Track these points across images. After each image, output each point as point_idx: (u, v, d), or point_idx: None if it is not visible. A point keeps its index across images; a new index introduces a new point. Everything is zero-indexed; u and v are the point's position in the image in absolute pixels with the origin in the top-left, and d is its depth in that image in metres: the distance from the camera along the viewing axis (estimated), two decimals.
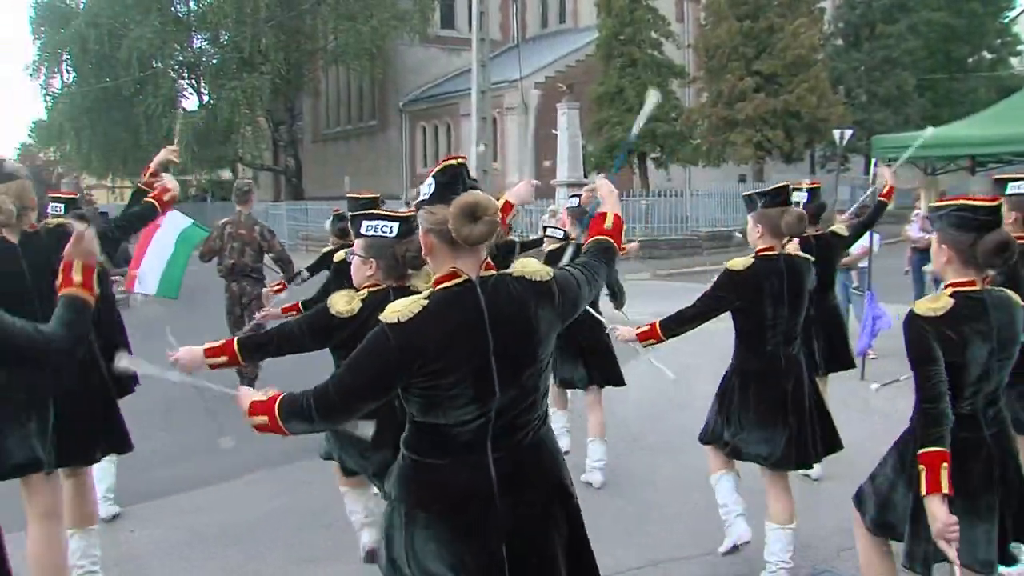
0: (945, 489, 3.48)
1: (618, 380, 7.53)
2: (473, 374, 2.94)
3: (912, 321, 3.70)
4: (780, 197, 5.08)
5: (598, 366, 7.38)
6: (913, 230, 13.08)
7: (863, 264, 11.58)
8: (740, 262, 4.99)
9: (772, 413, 5.05)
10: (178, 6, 44.79)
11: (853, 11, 37.89)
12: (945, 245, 3.75)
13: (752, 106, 30.44)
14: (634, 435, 8.68)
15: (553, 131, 29.31)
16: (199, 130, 40.17)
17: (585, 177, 28.81)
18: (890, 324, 10.90)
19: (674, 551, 5.90)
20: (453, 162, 3.19)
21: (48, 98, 45.63)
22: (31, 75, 44.55)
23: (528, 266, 3.12)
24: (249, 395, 3.33)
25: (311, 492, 7.19)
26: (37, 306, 4.25)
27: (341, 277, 4.74)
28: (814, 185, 7.35)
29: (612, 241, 3.54)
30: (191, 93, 47.30)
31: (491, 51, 29.09)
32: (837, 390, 10.22)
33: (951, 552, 3.49)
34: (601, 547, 5.90)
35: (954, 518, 3.47)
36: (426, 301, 2.95)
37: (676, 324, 5.11)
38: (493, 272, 3.05)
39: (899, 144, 11.08)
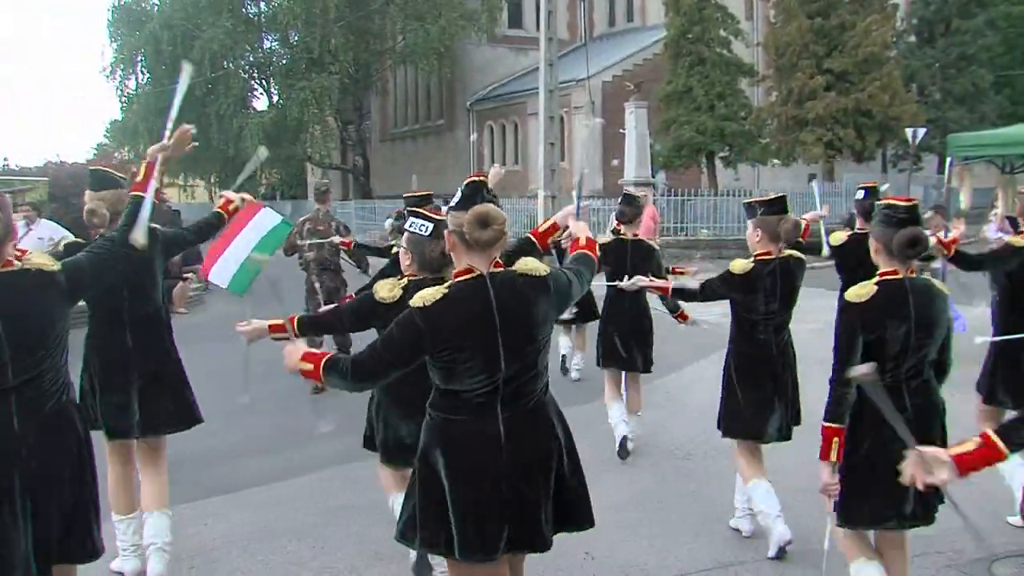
0: (834, 458, 4.21)
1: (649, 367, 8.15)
2: (483, 351, 3.57)
3: (844, 310, 4.24)
4: (777, 206, 5.58)
5: (643, 353, 7.98)
6: (991, 230, 12.78)
7: (937, 264, 11.35)
8: (740, 265, 5.57)
9: (762, 395, 5.68)
10: (249, 7, 45.48)
11: (928, 7, 37.18)
12: (874, 239, 4.29)
13: (822, 105, 30.03)
14: (702, 435, 8.61)
15: (621, 130, 29.19)
16: (269, 130, 40.70)
17: (653, 176, 28.69)
18: (965, 327, 10.68)
19: (742, 553, 5.86)
20: (476, 179, 3.84)
21: (123, 99, 46.70)
22: (107, 77, 45.66)
23: (528, 264, 3.76)
24: (303, 348, 3.85)
25: (378, 490, 7.22)
26: (126, 295, 5.19)
27: (397, 267, 5.05)
28: (871, 185, 7.91)
29: (590, 254, 4.23)
30: (261, 93, 48.02)
31: (558, 50, 29.06)
32: None
33: (829, 504, 4.37)
34: (669, 547, 5.91)
35: (836, 480, 4.24)
36: (447, 290, 3.59)
37: (684, 296, 6.16)
38: (501, 269, 3.69)
39: (975, 143, 10.86)
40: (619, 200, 8.61)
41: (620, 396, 8.17)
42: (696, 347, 11.62)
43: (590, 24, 46.98)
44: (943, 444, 4.13)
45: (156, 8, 45.39)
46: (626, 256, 7.71)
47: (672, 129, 32.55)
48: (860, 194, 7.57)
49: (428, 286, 3.72)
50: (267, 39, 46.09)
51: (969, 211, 13.26)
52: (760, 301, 5.59)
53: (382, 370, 3.71)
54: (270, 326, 4.64)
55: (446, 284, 3.65)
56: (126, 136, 48.78)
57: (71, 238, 8.84)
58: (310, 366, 3.73)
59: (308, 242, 10.85)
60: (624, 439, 7.77)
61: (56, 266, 3.85)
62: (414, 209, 4.78)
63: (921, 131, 29.06)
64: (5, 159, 34.10)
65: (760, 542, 5.99)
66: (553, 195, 26.81)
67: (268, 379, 10.23)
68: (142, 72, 45.76)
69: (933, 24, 37.40)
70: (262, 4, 45.66)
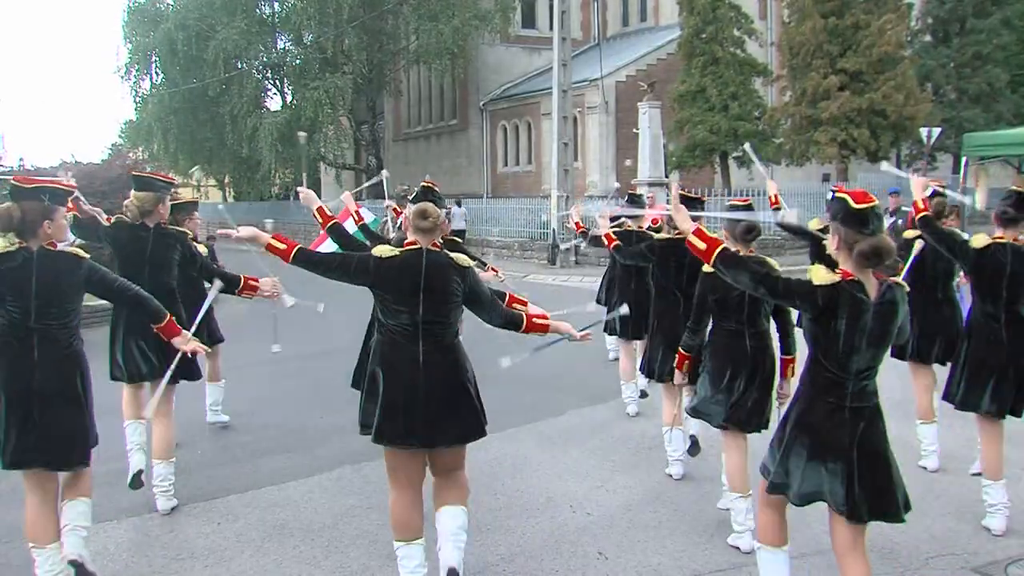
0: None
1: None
2: (408, 299, 5.04)
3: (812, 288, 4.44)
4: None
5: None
6: None
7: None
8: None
9: (730, 380, 5.96)
10: (263, 8, 45.60)
11: (942, 6, 36.96)
12: (837, 236, 4.44)
13: (836, 104, 29.89)
14: (716, 435, 8.58)
15: (634, 130, 29.17)
16: (282, 130, 40.79)
17: (666, 176, 28.64)
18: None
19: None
20: (427, 184, 5.40)
21: (137, 99, 46.95)
22: (122, 77, 45.85)
23: (458, 256, 5.22)
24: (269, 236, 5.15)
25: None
26: (147, 271, 6.83)
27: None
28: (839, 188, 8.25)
29: (517, 316, 5.46)
30: (275, 93, 48.17)
31: (572, 50, 29.09)
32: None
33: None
34: (683, 547, 5.90)
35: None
36: (397, 253, 5.09)
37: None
38: (436, 249, 5.17)
39: (990, 142, 10.80)
40: (626, 200, 9.68)
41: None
42: None
43: (603, 24, 46.97)
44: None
45: (171, 9, 45.57)
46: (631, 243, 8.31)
47: (686, 129, 32.51)
48: (830, 195, 7.62)
49: (427, 254, 5.12)
50: (281, 39, 46.19)
51: (985, 211, 13.17)
52: (731, 296, 5.95)
53: (333, 268, 5.11)
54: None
55: (399, 251, 5.11)
56: (140, 136, 48.98)
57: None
58: (283, 247, 5.07)
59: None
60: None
61: (85, 258, 5.33)
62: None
63: (936, 131, 28.88)
64: (21, 159, 34.14)
65: None
66: (566, 195, 26.82)
67: (280, 379, 10.29)
68: (156, 72, 46.01)
69: (948, 23, 37.22)
70: (276, 4, 45.79)
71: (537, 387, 10.90)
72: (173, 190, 8.64)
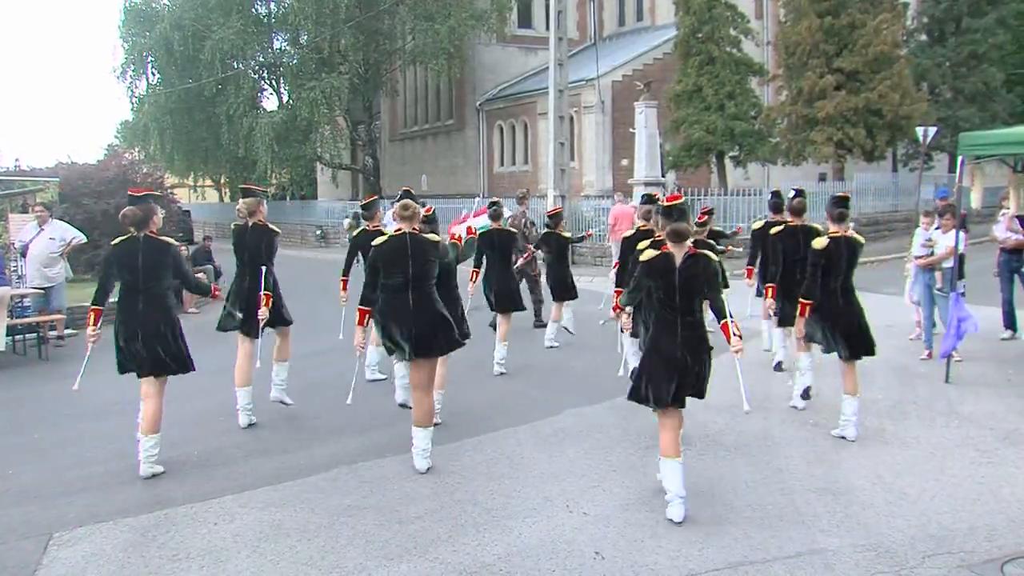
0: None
1: None
2: (400, 265, 7.50)
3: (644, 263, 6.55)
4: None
5: None
6: (999, 230, 12.74)
7: (948, 264, 11.32)
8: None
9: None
10: (259, 8, 45.58)
11: (938, 5, 36.99)
12: (659, 223, 6.84)
13: (832, 104, 29.93)
14: (712, 436, 8.61)
15: (631, 130, 29.15)
16: (279, 130, 40.76)
17: (663, 176, 28.61)
18: (977, 328, 10.66)
19: (752, 553, 5.83)
20: (406, 189, 7.87)
21: (134, 99, 46.88)
22: (118, 77, 45.80)
23: (430, 235, 7.72)
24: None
25: (389, 489, 7.25)
26: (247, 259, 9.19)
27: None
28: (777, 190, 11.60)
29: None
30: (271, 93, 48.14)
31: (568, 50, 29.07)
32: (922, 392, 10.09)
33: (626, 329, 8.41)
34: (679, 546, 5.90)
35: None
36: (387, 239, 7.57)
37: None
38: (416, 232, 7.60)
39: (986, 141, 10.78)
40: (642, 200, 11.11)
41: None
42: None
43: (600, 24, 46.96)
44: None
45: (167, 9, 45.44)
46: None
47: (682, 129, 32.49)
48: (791, 193, 10.27)
49: (410, 239, 7.61)
50: (277, 39, 46.17)
51: (980, 210, 13.19)
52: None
53: (371, 277, 7.63)
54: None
55: (390, 235, 7.66)
56: (136, 136, 48.93)
57: (82, 238, 13.71)
58: (358, 316, 7.78)
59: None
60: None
61: (173, 244, 7.94)
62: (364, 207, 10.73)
63: (932, 130, 28.90)
64: (16, 160, 34.10)
65: (771, 543, 5.99)
66: (562, 194, 26.81)
67: (269, 380, 10.24)
68: (153, 73, 45.90)
69: (943, 22, 37.25)
70: (272, 4, 45.78)
71: (534, 386, 10.90)
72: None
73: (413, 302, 7.53)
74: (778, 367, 10.97)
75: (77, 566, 5.89)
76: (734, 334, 6.55)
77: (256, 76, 45.42)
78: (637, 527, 6.32)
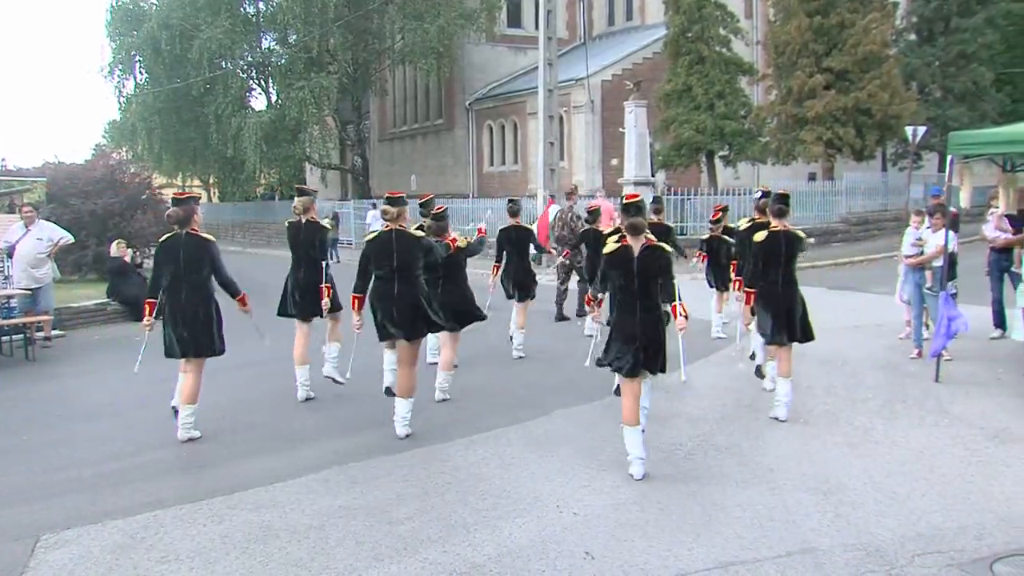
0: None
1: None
2: (387, 258, 8.55)
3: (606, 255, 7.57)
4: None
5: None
6: (989, 229, 12.77)
7: (938, 263, 11.36)
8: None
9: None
10: (247, 7, 45.46)
11: (927, 5, 37.05)
12: (620, 217, 7.77)
13: (822, 103, 29.98)
14: (703, 435, 8.63)
15: (620, 129, 29.17)
16: (267, 129, 40.67)
17: (652, 176, 28.63)
18: (967, 327, 10.70)
19: (743, 553, 5.85)
20: (396, 195, 8.79)
21: (121, 99, 46.69)
22: (106, 77, 45.61)
23: (415, 231, 8.91)
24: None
25: (379, 490, 7.25)
26: (303, 253, 10.29)
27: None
28: (767, 189, 11.51)
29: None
30: (260, 93, 47.98)
31: (558, 49, 29.09)
32: (911, 391, 10.12)
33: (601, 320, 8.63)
34: (669, 546, 5.92)
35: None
36: (376, 235, 8.73)
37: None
38: (402, 228, 8.64)
39: (976, 141, 10.81)
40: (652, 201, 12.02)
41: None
42: (697, 347, 11.63)
43: (589, 23, 46.99)
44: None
45: (154, 8, 45.29)
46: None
47: (672, 128, 32.50)
48: (758, 194, 11.34)
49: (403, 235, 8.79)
50: (266, 39, 46.05)
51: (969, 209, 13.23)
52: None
53: (363, 268, 8.81)
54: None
55: (378, 232, 8.76)
56: (124, 136, 48.72)
57: (70, 238, 14.19)
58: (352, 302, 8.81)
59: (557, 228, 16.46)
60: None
61: (212, 240, 8.87)
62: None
63: (921, 129, 29.01)
64: (3, 160, 33.95)
65: (762, 542, 6.00)
66: (552, 194, 26.83)
67: (261, 381, 10.26)
68: (140, 72, 45.75)
69: (933, 22, 37.33)
70: (260, 4, 45.70)
71: (524, 387, 10.91)
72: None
73: (397, 290, 8.59)
74: (758, 372, 10.87)
75: (64, 568, 5.87)
76: (681, 315, 7.35)
77: (244, 76, 45.26)
78: (627, 527, 6.33)
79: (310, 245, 10.25)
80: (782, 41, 31.56)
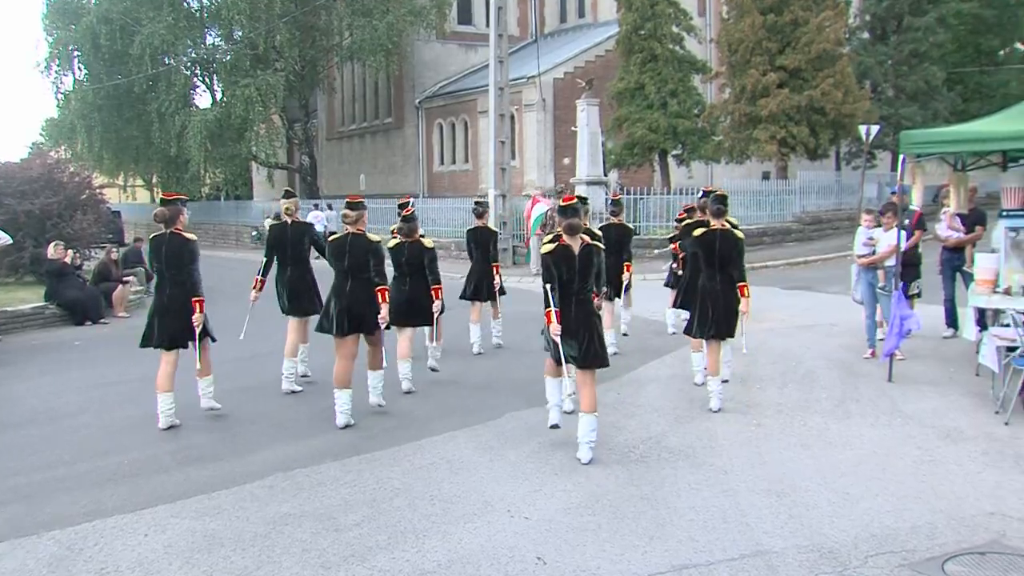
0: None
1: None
2: (341, 257, 9.41)
3: (544, 255, 8.14)
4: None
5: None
6: (942, 228, 12.96)
7: (891, 263, 11.49)
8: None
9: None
10: (191, 1, 45.02)
11: (880, 4, 37.63)
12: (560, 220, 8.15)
13: (776, 102, 30.29)
14: (655, 437, 8.66)
15: (573, 128, 29.25)
16: (212, 128, 40.32)
17: (605, 175, 28.72)
18: (920, 326, 10.84)
19: (696, 556, 5.87)
20: (357, 200, 9.67)
21: (59, 95, 45.99)
22: (42, 72, 44.88)
23: (370, 235, 9.46)
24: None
25: (326, 496, 7.20)
26: (289, 253, 11.03)
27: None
28: (709, 189, 12.21)
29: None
30: (204, 90, 47.64)
31: (509, 47, 29.10)
32: (865, 391, 10.23)
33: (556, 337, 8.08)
34: (622, 550, 5.93)
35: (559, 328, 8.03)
36: (338, 238, 9.53)
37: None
38: (359, 232, 9.43)
39: (928, 140, 10.96)
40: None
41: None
42: (649, 349, 11.68)
43: (541, 20, 47.13)
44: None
45: (93, 1, 44.70)
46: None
47: (624, 127, 32.70)
48: (699, 194, 11.69)
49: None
50: (210, 34, 45.74)
51: (921, 208, 13.40)
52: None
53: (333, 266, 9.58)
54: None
55: (340, 234, 9.53)
56: (63, 134, 48.14)
57: (8, 239, 14.50)
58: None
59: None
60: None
61: (193, 239, 9.43)
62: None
63: (874, 128, 29.42)
64: None
65: (715, 545, 6.03)
66: (503, 193, 26.83)
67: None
68: (79, 68, 45.14)
69: (885, 21, 37.91)
70: None
71: (474, 390, 10.90)
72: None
73: (349, 287, 9.41)
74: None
75: None
76: (600, 302, 8.59)
77: (188, 72, 44.89)
78: (579, 531, 6.33)
79: (298, 245, 11.04)
80: (735, 39, 31.83)
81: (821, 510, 6.65)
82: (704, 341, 9.91)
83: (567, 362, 8.27)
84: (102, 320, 18.06)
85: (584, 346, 7.98)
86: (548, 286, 8.06)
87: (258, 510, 6.94)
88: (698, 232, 9.77)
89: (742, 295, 9.54)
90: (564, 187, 19.05)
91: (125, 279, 19.65)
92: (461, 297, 13.27)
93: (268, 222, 10.51)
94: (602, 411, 8.47)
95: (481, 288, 13.14)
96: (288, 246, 11.04)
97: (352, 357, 9.41)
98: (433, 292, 10.73)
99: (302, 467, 7.92)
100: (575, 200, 8.23)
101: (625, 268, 12.44)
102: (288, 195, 11.46)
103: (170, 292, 9.39)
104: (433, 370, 11.30)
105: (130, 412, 10.01)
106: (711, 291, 9.68)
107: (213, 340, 9.78)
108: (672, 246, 13.87)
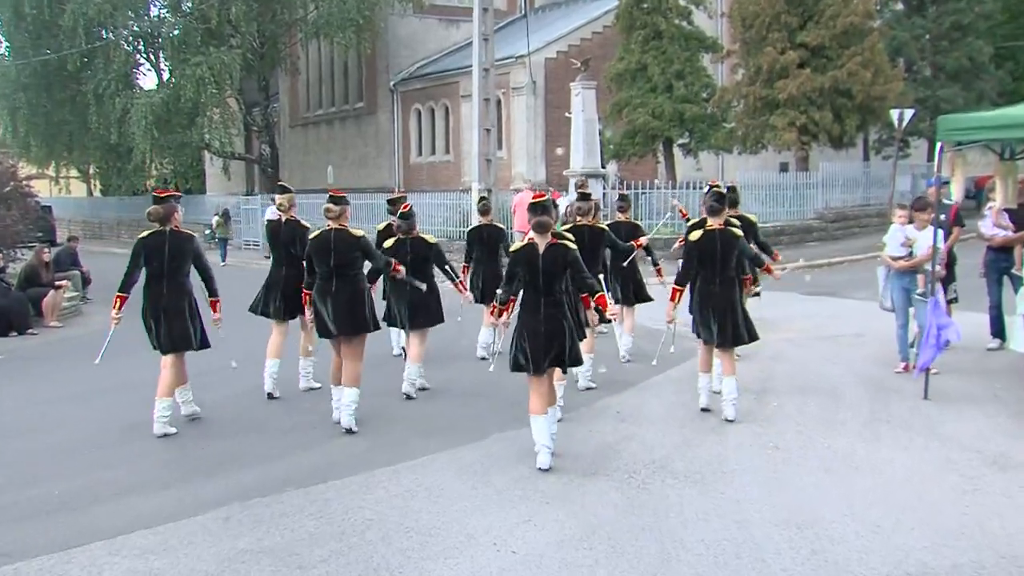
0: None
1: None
2: (324, 256, 9.92)
3: (513, 253, 8.75)
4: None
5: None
6: (986, 226, 12.78)
7: (929, 267, 11.37)
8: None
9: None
10: None
11: None
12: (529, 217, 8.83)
13: (796, 84, 30.15)
14: (659, 460, 8.65)
15: (567, 114, 29.25)
16: (159, 112, 40.04)
17: (603, 167, 28.68)
18: (959, 336, 10.80)
19: None
20: (339, 195, 10.13)
21: None
22: None
23: (355, 230, 10.10)
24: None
25: (288, 530, 7.17)
26: (283, 253, 11.48)
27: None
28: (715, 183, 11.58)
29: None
30: (149, 69, 47.48)
31: (496, 22, 29.12)
32: (897, 409, 10.23)
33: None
34: None
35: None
36: (319, 233, 10.04)
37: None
38: (342, 227, 9.94)
39: (969, 125, 10.92)
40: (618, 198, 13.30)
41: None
42: (649, 365, 11.64)
43: None
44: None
45: None
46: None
47: (624, 113, 32.61)
48: (706, 190, 11.15)
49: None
50: (155, 5, 45.50)
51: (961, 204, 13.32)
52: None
53: (308, 265, 10.13)
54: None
55: (321, 231, 9.95)
56: None
57: None
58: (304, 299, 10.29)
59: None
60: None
61: (194, 236, 10.27)
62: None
63: (908, 112, 29.26)
64: None
65: None
66: (488, 188, 26.77)
67: (152, 405, 10.12)
68: (1, 39, 44.84)
69: None
70: None
71: (457, 407, 10.92)
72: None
73: (335, 287, 9.89)
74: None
75: None
76: (591, 308, 9.23)
77: (130, 48, 44.66)
78: (573, 567, 6.33)
79: (290, 244, 11.44)
80: (750, 12, 31.65)
81: (848, 545, 6.65)
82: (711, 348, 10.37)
83: (521, 369, 8.65)
84: (30, 331, 17.97)
85: (555, 352, 8.53)
86: (501, 287, 8.98)
87: (210, 546, 6.91)
88: (695, 236, 10.14)
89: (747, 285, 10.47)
90: (583, 181, 19.06)
91: (58, 284, 19.56)
92: (477, 301, 13.22)
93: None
94: (598, 433, 8.46)
95: (494, 290, 13.08)
96: (281, 246, 11.56)
97: (357, 357, 10.03)
98: (457, 287, 11.99)
99: (261, 496, 7.89)
100: (544, 197, 9.04)
101: (635, 244, 12.76)
102: (283, 190, 11.99)
103: (169, 293, 9.97)
104: (409, 397, 11.42)
105: (60, 436, 9.97)
106: (713, 297, 10.09)
107: (207, 346, 10.39)
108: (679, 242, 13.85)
